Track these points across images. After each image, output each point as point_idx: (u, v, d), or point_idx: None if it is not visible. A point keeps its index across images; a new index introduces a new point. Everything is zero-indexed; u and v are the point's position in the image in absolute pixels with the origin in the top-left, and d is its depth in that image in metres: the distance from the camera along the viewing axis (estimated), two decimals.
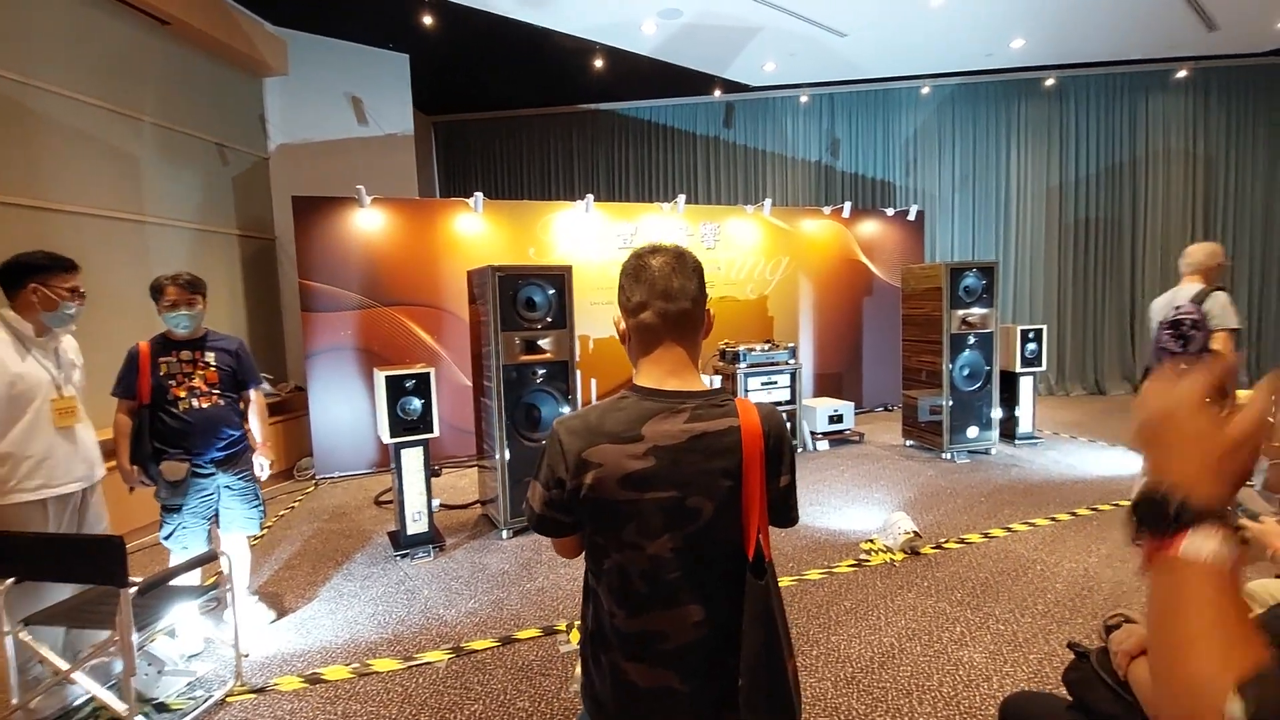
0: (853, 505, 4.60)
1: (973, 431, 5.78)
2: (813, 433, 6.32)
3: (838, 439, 6.41)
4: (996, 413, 5.88)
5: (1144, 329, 8.66)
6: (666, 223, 7.04)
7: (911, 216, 7.98)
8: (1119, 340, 8.72)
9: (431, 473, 4.00)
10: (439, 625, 3.11)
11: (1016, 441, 6.14)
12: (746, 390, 5.94)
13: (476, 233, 6.27)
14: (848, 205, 7.73)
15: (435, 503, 4.65)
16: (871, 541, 3.91)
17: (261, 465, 3.02)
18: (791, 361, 6.15)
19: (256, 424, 3.06)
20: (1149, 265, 8.65)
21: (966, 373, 5.73)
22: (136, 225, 5.10)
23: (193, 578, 2.77)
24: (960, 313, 5.67)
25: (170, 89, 5.52)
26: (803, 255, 7.64)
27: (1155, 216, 8.59)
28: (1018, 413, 6.16)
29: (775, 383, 6.09)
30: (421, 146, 8.59)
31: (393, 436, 3.79)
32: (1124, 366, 8.73)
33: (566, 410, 4.27)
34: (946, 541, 3.90)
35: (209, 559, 2.48)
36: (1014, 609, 3.07)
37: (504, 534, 4.18)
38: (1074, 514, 4.31)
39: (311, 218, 5.72)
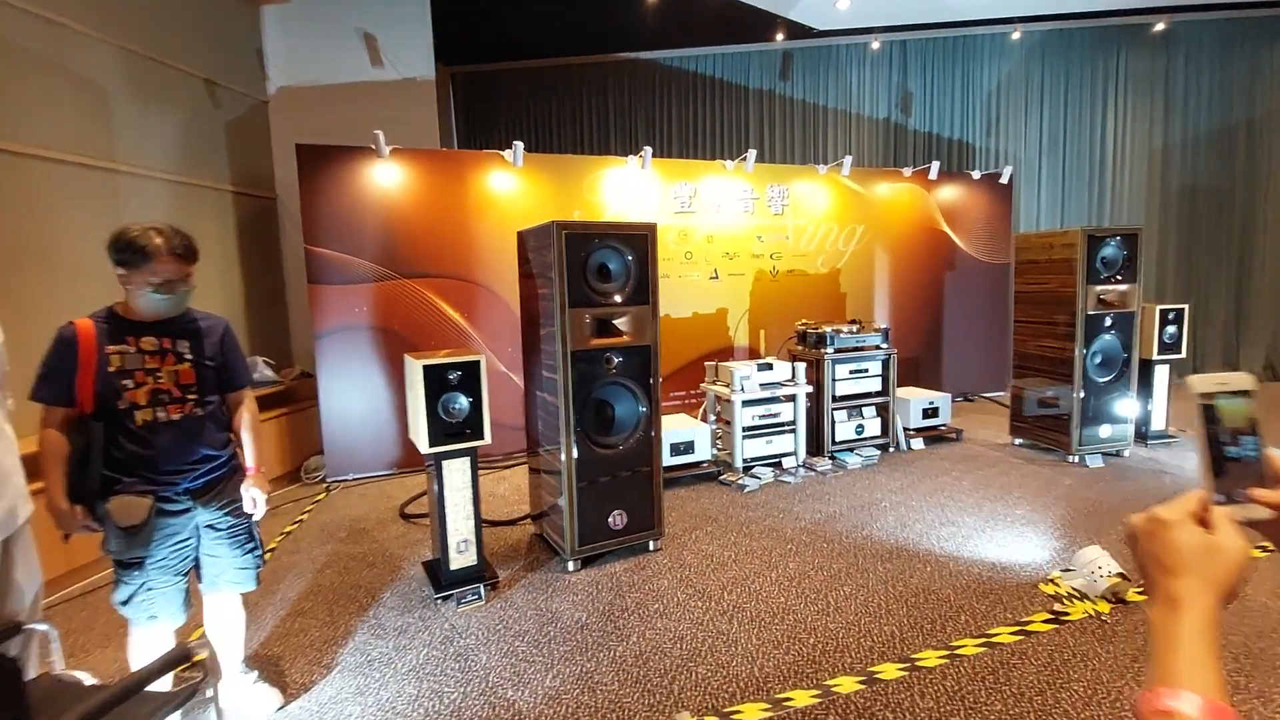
0: (997, 527, 3.70)
1: (1106, 430, 4.86)
2: (906, 429, 5.40)
3: (933, 436, 5.49)
4: (1136, 409, 4.96)
5: (1255, 311, 7.71)
6: (730, 184, 6.06)
7: (1004, 179, 6.98)
8: (1225, 324, 7.75)
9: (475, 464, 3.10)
10: (510, 717, 2.22)
11: (1149, 441, 5.22)
12: (834, 379, 5.01)
13: (512, 191, 5.30)
14: (935, 165, 6.73)
15: None
16: (1054, 583, 3.02)
17: (253, 499, 2.11)
18: (884, 346, 5.21)
19: (249, 440, 2.14)
20: (1266, 241, 7.67)
21: (1099, 360, 4.79)
22: (106, 175, 4.14)
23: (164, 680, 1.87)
24: (1097, 289, 4.72)
25: (147, 6, 4.53)
26: (878, 223, 6.66)
27: (1275, 185, 7.57)
28: (1149, 407, 5.24)
29: (866, 370, 5.16)
30: (439, 101, 7.57)
31: (433, 444, 2.87)
32: (1228, 353, 7.78)
33: (645, 410, 3.36)
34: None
35: (180, 660, 1.57)
36: None
37: (570, 565, 3.28)
38: None
39: (319, 171, 4.75)
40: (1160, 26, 7.36)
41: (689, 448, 4.62)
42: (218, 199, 5.20)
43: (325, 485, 4.83)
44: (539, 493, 3.67)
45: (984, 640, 2.59)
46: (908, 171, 6.75)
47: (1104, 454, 4.88)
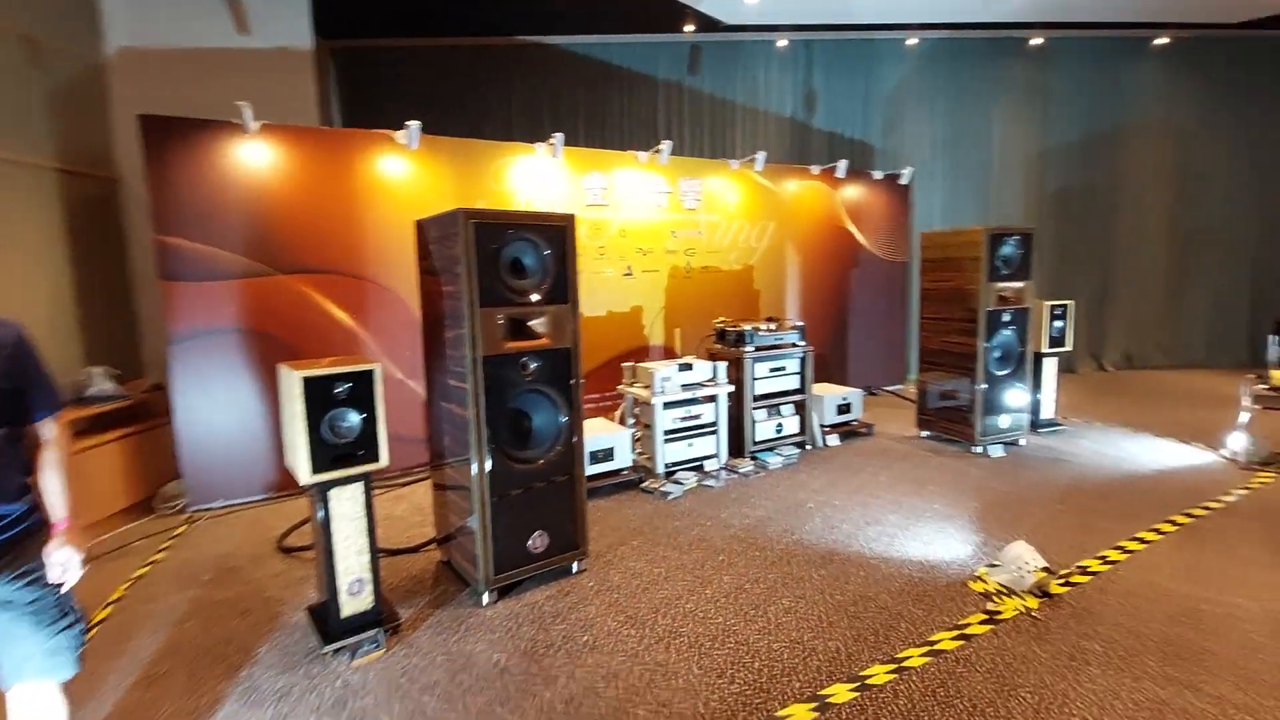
0: (920, 524, 3.70)
1: (1005, 421, 5.08)
2: (822, 426, 5.41)
3: (846, 432, 5.54)
4: (1029, 399, 5.22)
5: (1117, 307, 8.46)
6: (643, 177, 5.83)
7: (904, 179, 7.22)
8: (1091, 319, 8.47)
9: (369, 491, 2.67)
10: None
11: (1040, 430, 5.52)
12: (754, 378, 4.92)
13: (408, 177, 4.79)
14: (843, 164, 6.83)
15: None
16: (981, 579, 3.01)
17: (62, 565, 1.61)
18: (802, 344, 5.18)
19: (57, 485, 1.64)
20: (1125, 242, 8.45)
21: (999, 354, 5.00)
22: None
23: None
24: (997, 286, 4.90)
25: None
26: (788, 221, 6.69)
27: (1131, 188, 8.36)
28: (1039, 397, 5.55)
29: (784, 368, 5.10)
30: (319, 80, 6.82)
31: (318, 470, 2.43)
32: (1093, 344, 8.51)
33: (567, 420, 3.05)
34: (1068, 573, 3.06)
35: None
36: (1240, 682, 2.24)
37: (484, 596, 2.92)
38: (1175, 523, 3.62)
39: (171, 148, 4.04)
40: (1038, 41, 7.90)
41: (608, 455, 4.36)
42: (36, 178, 4.33)
43: (187, 516, 4.14)
44: (445, 513, 3.26)
45: (928, 649, 2.50)
46: (815, 169, 6.81)
47: (1004, 444, 5.10)
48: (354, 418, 2.46)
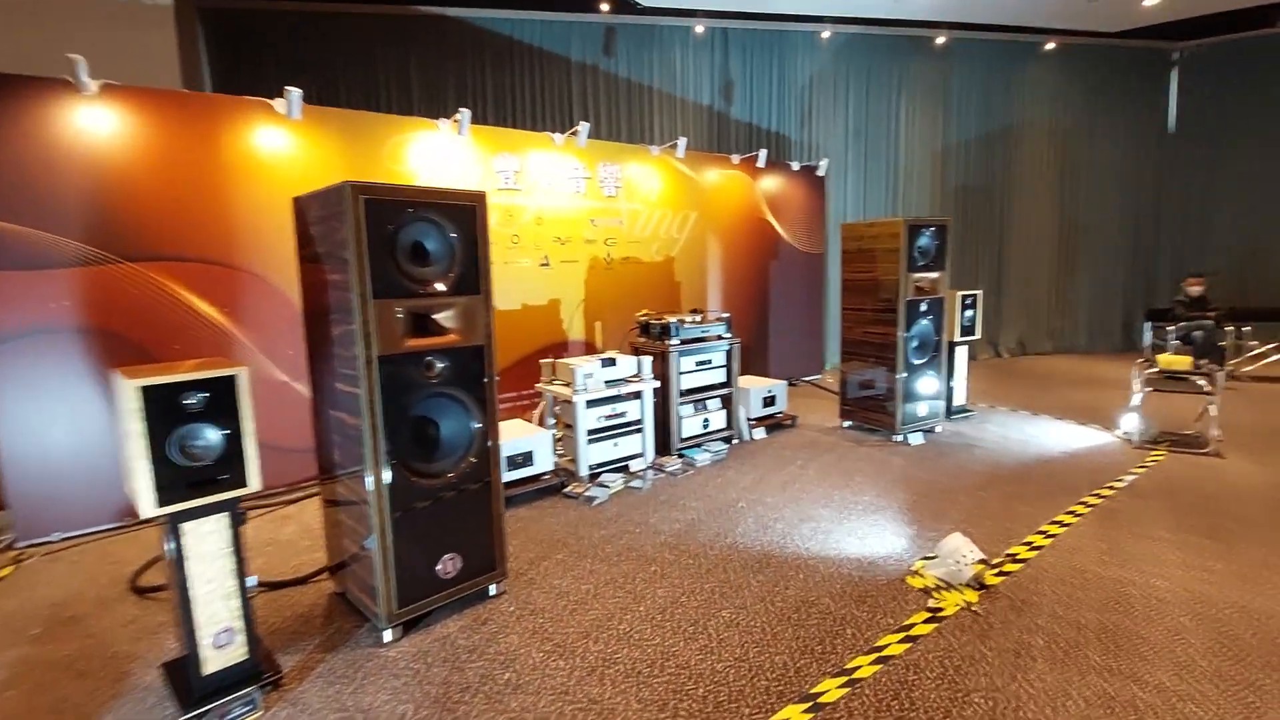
0: (852, 518, 3.62)
1: (923, 409, 5.15)
2: (749, 419, 5.29)
3: (772, 424, 5.46)
4: (944, 387, 5.33)
5: (1010, 296, 8.94)
6: (560, 160, 5.48)
7: (821, 171, 7.25)
8: (988, 308, 8.91)
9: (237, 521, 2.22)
10: None
11: (953, 416, 5.67)
12: (680, 372, 4.71)
13: (288, 151, 4.21)
14: (763, 153, 6.75)
15: (251, 582, 2.87)
16: (919, 574, 2.93)
17: None
18: (727, 336, 5.03)
19: None
20: (1016, 235, 8.94)
21: (917, 344, 5.05)
22: None
23: None
24: (914, 276, 4.94)
25: None
26: (710, 210, 6.54)
27: (1023, 184, 8.85)
28: (952, 385, 5.69)
29: (710, 362, 4.93)
30: (182, 44, 5.98)
31: (166, 501, 1.96)
32: (990, 332, 8.97)
33: (480, 426, 2.70)
34: (1000, 562, 3.05)
35: None
36: (1177, 670, 2.24)
37: (386, 634, 2.53)
38: (1087, 504, 3.73)
39: None
40: (941, 40, 8.17)
41: (528, 459, 4.01)
42: None
43: (13, 555, 3.43)
44: (338, 538, 2.83)
45: (876, 656, 2.36)
46: (736, 158, 6.70)
47: (923, 431, 5.18)
48: (212, 434, 2.01)
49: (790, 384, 7.11)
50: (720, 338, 4.98)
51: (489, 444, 2.73)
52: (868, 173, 8.34)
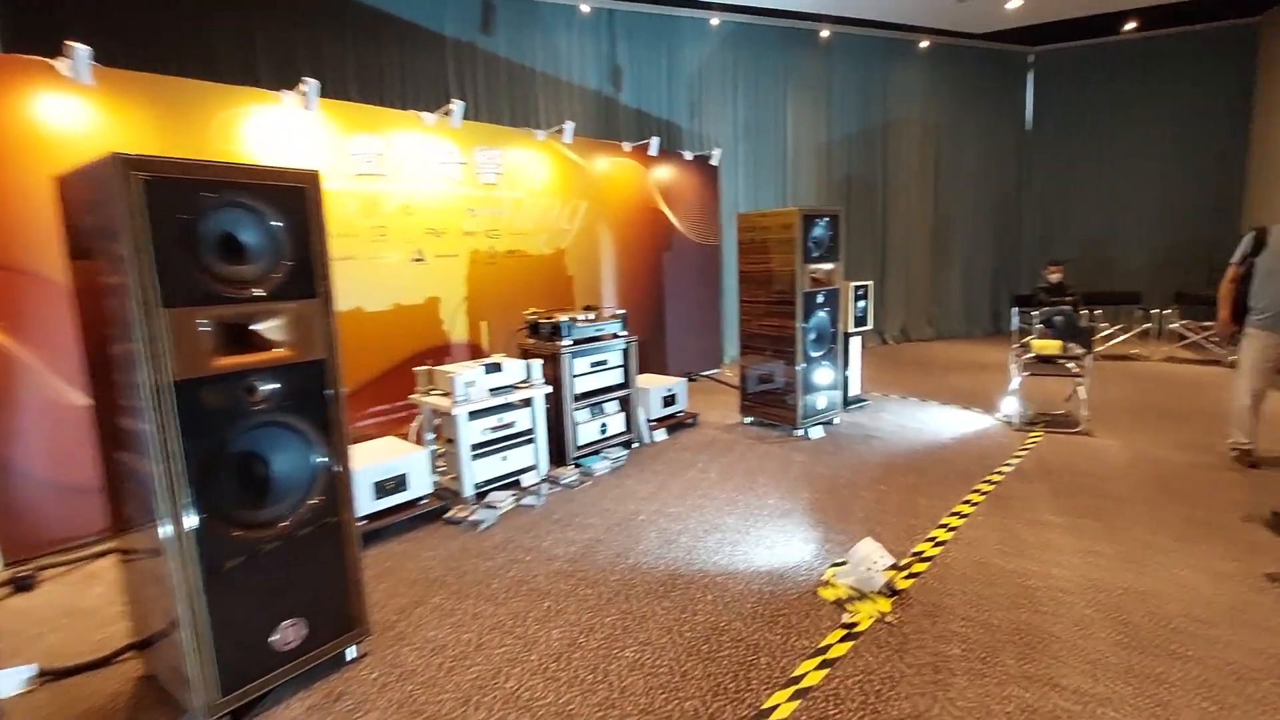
0: (758, 524, 3.43)
1: (822, 401, 5.11)
2: (650, 421, 5.03)
3: (673, 424, 5.24)
4: (840, 378, 5.32)
5: (892, 285, 9.28)
6: (431, 143, 4.93)
7: (715, 161, 7.10)
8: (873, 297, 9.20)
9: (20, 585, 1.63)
10: None
11: (849, 407, 5.70)
12: (574, 375, 4.36)
13: (81, 124, 3.42)
14: (655, 141, 6.49)
15: (26, 674, 2.28)
16: (830, 584, 2.77)
17: None
18: (623, 334, 4.72)
19: None
20: (896, 227, 9.29)
21: (814, 336, 4.99)
22: None
23: None
24: (810, 267, 4.87)
25: None
26: (601, 200, 6.21)
27: (900, 177, 9.19)
28: (847, 375, 5.72)
29: (606, 363, 4.61)
30: None
31: None
32: (875, 320, 9.27)
33: (324, 460, 2.22)
34: (908, 563, 2.95)
35: None
36: (1090, 669, 2.18)
37: None
38: (981, 491, 3.77)
39: None
40: (825, 34, 8.27)
41: (400, 484, 3.51)
42: None
43: None
44: (142, 603, 2.24)
45: (794, 689, 2.14)
46: (627, 146, 6.40)
47: (823, 424, 5.14)
48: None
49: (690, 379, 6.95)
50: (616, 336, 4.67)
51: (338, 476, 2.25)
52: (758, 164, 8.33)
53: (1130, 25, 8.61)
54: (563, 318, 4.37)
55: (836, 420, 5.29)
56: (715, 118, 8.02)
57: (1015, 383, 5.12)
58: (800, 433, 4.96)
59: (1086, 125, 9.50)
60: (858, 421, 5.36)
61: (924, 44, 8.84)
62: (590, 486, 4.07)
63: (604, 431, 4.62)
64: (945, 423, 5.26)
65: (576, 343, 4.39)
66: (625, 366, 4.73)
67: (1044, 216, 9.92)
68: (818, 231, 4.88)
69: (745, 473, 4.21)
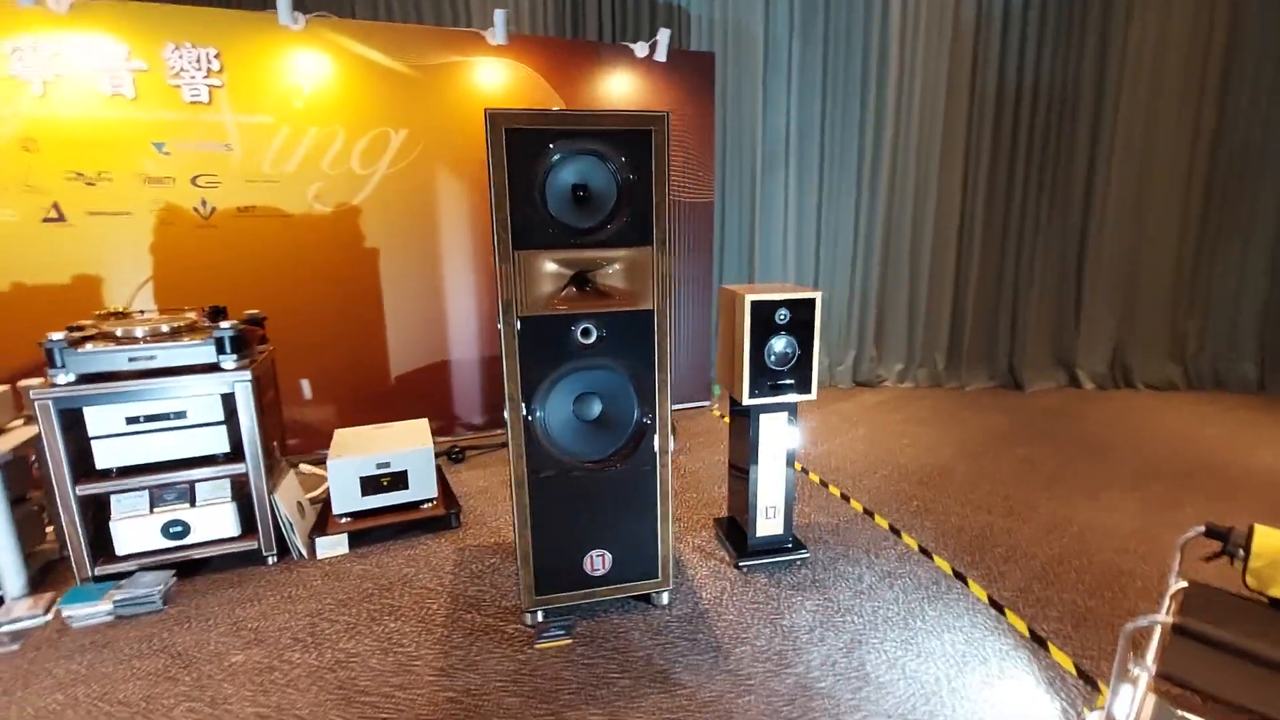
0: None
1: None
2: (307, 519, 2.86)
3: (401, 523, 2.96)
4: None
5: (1103, 290, 5.22)
6: (68, 40, 3.22)
7: (660, 55, 4.23)
8: None
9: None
10: None
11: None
12: (95, 437, 2.41)
13: None
14: (663, 37, 3.90)
15: None
16: None
17: None
18: (235, 362, 2.58)
19: None
20: (1112, 184, 5.13)
21: None
22: None
23: None
24: None
25: None
26: (442, 129, 3.91)
27: (1134, 90, 4.95)
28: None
29: (183, 415, 2.55)
30: None
31: None
32: None
33: None
34: None
35: None
36: None
37: None
38: None
39: None
40: None
41: None
42: None
43: None
44: None
45: None
46: (498, 34, 3.91)
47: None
48: None
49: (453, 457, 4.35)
50: (216, 367, 2.57)
51: None
52: (818, 66, 4.99)
53: None
54: (56, 335, 2.41)
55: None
56: None
57: None
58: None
59: None
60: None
61: None
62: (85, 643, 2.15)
63: (181, 536, 2.61)
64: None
65: (89, 379, 2.42)
66: (229, 422, 2.61)
67: None
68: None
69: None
